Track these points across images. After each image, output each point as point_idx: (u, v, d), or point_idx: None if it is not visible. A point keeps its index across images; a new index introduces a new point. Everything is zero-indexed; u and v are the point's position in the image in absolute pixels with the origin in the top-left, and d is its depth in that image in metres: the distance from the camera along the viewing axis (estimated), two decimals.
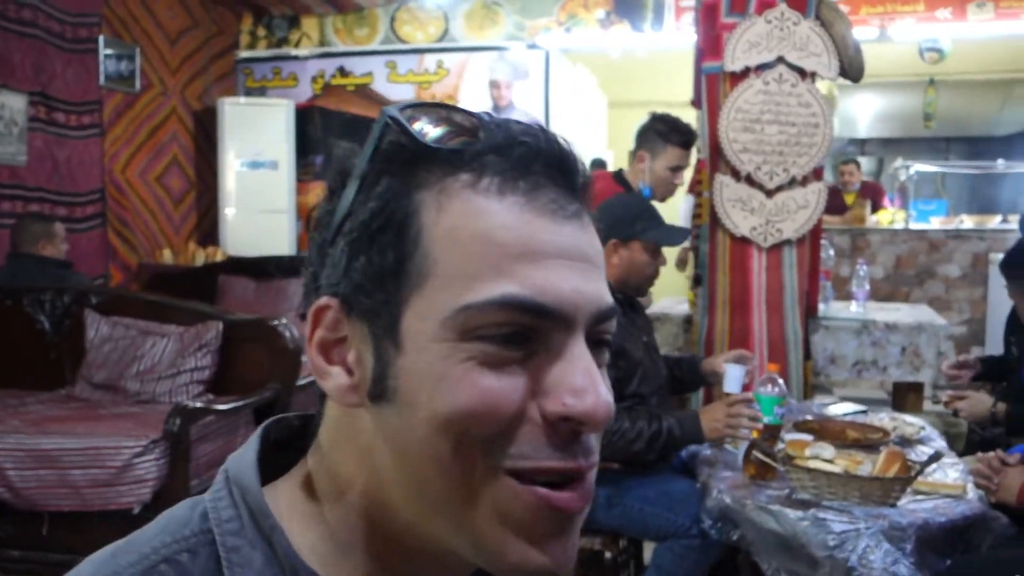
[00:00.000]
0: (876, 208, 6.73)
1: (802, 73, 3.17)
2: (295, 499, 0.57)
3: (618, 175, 3.50)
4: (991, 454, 2.09)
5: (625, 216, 2.41)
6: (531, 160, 0.53)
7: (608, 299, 0.55)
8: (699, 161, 3.38)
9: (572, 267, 0.52)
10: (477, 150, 0.53)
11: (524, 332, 0.51)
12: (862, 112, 9.48)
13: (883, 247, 6.13)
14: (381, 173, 0.54)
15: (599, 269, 0.55)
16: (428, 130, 0.54)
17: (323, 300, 0.55)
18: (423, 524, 0.53)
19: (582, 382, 0.51)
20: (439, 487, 0.51)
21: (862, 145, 9.62)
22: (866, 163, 9.45)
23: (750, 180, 3.15)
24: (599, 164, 7.28)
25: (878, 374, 3.55)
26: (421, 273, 0.51)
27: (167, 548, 0.53)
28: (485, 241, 0.51)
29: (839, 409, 2.79)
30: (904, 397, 3.59)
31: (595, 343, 0.54)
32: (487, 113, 0.56)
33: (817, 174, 3.24)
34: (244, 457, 0.58)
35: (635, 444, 2.24)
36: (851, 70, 3.21)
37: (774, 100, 3.16)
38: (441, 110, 0.56)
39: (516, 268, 0.51)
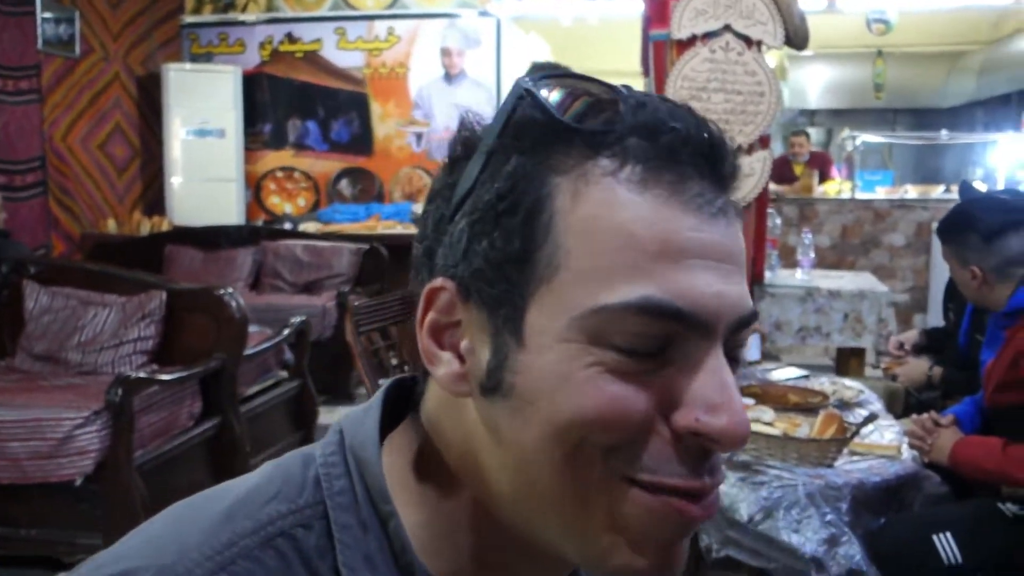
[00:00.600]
0: (824, 178, 6.82)
1: (748, 41, 3.19)
2: (403, 476, 0.54)
3: None
4: (925, 416, 2.14)
5: None
6: (679, 148, 0.48)
7: (749, 303, 0.50)
8: None
9: (716, 269, 0.48)
10: (620, 133, 0.48)
11: (660, 339, 0.47)
12: (812, 83, 9.59)
13: (830, 216, 6.23)
14: (511, 150, 0.50)
15: (742, 270, 0.50)
16: (566, 105, 0.50)
17: (438, 281, 0.51)
18: (527, 521, 0.51)
19: (718, 397, 0.47)
20: (552, 489, 0.48)
21: (812, 116, 9.74)
22: (815, 134, 9.57)
23: None
24: None
25: (821, 340, 3.62)
26: (551, 265, 0.48)
27: (284, 520, 0.50)
28: (624, 236, 0.47)
29: (782, 374, 2.83)
30: (846, 362, 3.67)
31: (730, 349, 0.50)
32: (626, 87, 0.51)
33: (763, 142, 3.27)
34: (365, 425, 0.55)
35: None
36: (796, 38, 3.23)
37: (720, 68, 3.18)
38: (580, 82, 0.51)
39: (656, 268, 0.47)
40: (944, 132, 6.75)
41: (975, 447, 1.99)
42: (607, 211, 0.47)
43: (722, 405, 0.47)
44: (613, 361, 0.47)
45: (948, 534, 1.90)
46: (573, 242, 0.47)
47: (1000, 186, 6.24)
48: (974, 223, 2.11)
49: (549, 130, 0.49)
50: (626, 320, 0.46)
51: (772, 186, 6.12)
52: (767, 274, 3.71)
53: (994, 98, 8.44)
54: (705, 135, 0.49)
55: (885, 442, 2.17)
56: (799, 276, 3.86)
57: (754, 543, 1.92)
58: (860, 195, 6.37)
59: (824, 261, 6.02)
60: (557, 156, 0.49)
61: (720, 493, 1.91)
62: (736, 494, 1.93)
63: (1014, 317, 2.00)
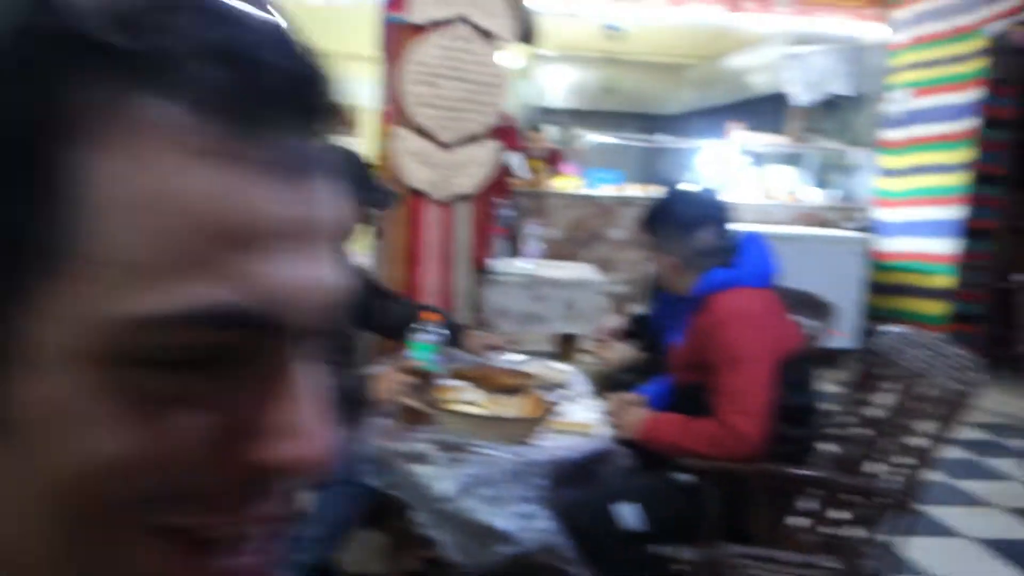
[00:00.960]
0: (557, 173, 7.15)
1: (482, 32, 3.25)
2: None
3: None
4: (619, 395, 2.29)
5: (346, 172, 2.39)
6: (261, 84, 0.34)
7: (341, 284, 0.38)
8: (382, 112, 3.37)
9: (302, 250, 0.35)
10: (178, 57, 0.33)
11: (220, 350, 0.34)
12: (553, 83, 10.03)
13: (561, 210, 6.54)
14: (14, 72, 0.32)
15: (335, 240, 0.38)
16: (99, 10, 0.32)
17: None
18: None
19: (303, 419, 0.36)
20: (43, 552, 0.35)
21: (551, 114, 10.17)
22: (554, 131, 10.02)
23: (427, 134, 3.19)
24: None
25: (542, 326, 3.79)
26: (62, 250, 0.32)
27: None
28: (177, 213, 0.32)
29: (500, 358, 2.92)
30: (564, 347, 3.86)
31: (319, 343, 0.38)
32: None
33: (498, 133, 3.35)
34: None
35: None
36: (526, 34, 3.34)
37: (454, 56, 3.22)
38: None
39: (220, 258, 0.33)
40: (665, 136, 7.30)
41: (660, 423, 2.15)
42: (154, 177, 0.32)
43: (309, 429, 0.36)
44: (151, 386, 0.33)
45: (632, 504, 2.04)
46: (102, 220, 0.32)
47: (708, 188, 6.86)
48: (673, 216, 2.26)
49: (73, 47, 0.32)
50: (175, 331, 0.33)
51: (521, 169, 6.32)
52: (494, 262, 3.82)
53: (709, 109, 9.26)
54: (294, 61, 0.35)
55: (585, 421, 2.30)
56: (524, 265, 4.01)
57: (451, 523, 1.96)
58: (589, 191, 6.73)
59: (555, 253, 6.31)
60: (85, 87, 0.32)
61: (421, 473, 1.95)
62: (438, 472, 1.97)
63: (698, 303, 2.18)
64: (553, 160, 7.26)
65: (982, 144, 5.81)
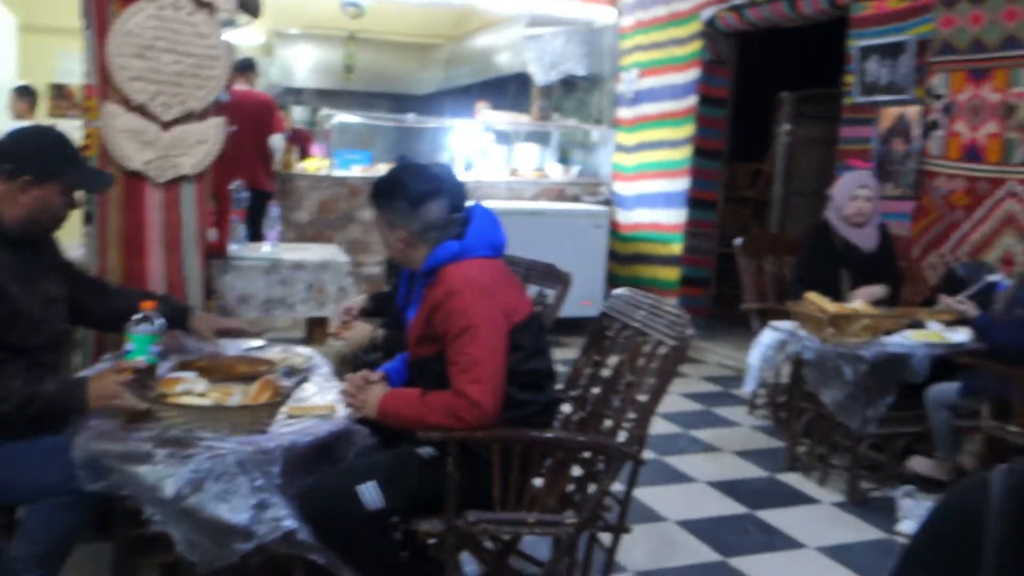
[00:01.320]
0: (305, 155, 6.95)
1: (199, 2, 3.04)
2: None
3: None
4: (358, 374, 2.24)
5: (45, 153, 2.18)
6: None
7: None
8: (87, 88, 3.07)
9: None
10: None
11: None
12: (298, 62, 9.72)
13: (309, 192, 6.36)
14: None
15: None
16: None
17: None
18: None
19: None
20: None
21: (298, 94, 9.87)
22: (302, 112, 9.73)
23: (143, 111, 2.95)
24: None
25: (287, 311, 3.65)
26: None
27: None
28: None
29: (236, 346, 2.77)
30: (313, 331, 3.75)
31: None
32: None
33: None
34: None
35: (1, 406, 1.96)
36: (249, 5, 3.18)
37: (169, 27, 2.99)
38: None
39: None
40: (412, 116, 7.28)
41: (398, 398, 2.13)
42: None
43: None
44: None
45: (372, 482, 2.00)
46: None
47: (460, 166, 6.95)
48: (402, 190, 2.22)
49: None
50: None
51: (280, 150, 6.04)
52: (232, 247, 3.63)
53: (457, 88, 9.36)
54: None
55: (326, 403, 2.23)
56: (265, 249, 3.84)
57: (183, 522, 1.83)
58: (337, 172, 6.58)
59: (304, 236, 6.14)
60: None
61: (144, 474, 1.80)
62: (162, 471, 1.83)
63: (430, 276, 2.17)
64: (300, 141, 7.04)
65: (700, 121, 6.29)
